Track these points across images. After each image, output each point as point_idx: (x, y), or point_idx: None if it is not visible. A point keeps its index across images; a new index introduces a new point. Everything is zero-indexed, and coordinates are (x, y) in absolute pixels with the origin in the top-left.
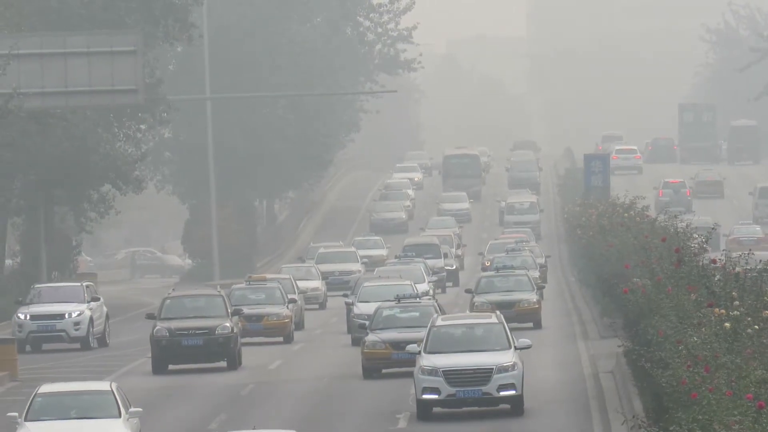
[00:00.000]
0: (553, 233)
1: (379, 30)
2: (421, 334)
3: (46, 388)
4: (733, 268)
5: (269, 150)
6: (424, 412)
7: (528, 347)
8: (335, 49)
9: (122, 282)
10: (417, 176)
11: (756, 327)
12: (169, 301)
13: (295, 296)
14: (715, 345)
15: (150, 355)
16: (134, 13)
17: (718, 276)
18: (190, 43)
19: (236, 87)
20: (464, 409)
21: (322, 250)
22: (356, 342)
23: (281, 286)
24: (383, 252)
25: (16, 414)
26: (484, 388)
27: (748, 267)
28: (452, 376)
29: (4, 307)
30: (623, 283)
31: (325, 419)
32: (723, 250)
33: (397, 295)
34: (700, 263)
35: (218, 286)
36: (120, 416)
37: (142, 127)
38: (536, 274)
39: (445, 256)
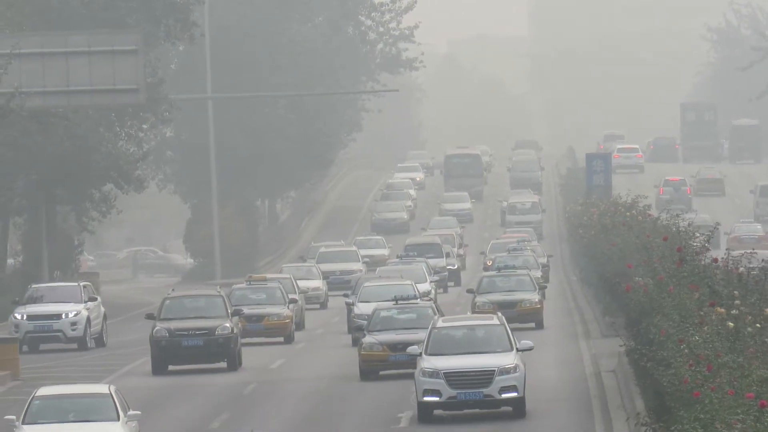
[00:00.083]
0: (555, 233)
1: (381, 29)
2: (419, 335)
3: (44, 390)
4: (737, 268)
5: (271, 149)
6: (425, 414)
7: (530, 349)
8: (336, 48)
9: (124, 281)
10: (418, 176)
11: (757, 326)
12: (168, 301)
13: (296, 296)
14: (717, 344)
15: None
16: (135, 13)
17: (720, 275)
18: (191, 43)
19: (238, 86)
20: (465, 411)
21: (323, 250)
22: (357, 342)
23: (282, 286)
24: (385, 252)
25: (13, 417)
26: (486, 391)
27: (751, 266)
28: (453, 378)
29: (5, 307)
30: (625, 282)
31: (327, 419)
32: (726, 249)
33: (395, 296)
34: (702, 262)
35: (218, 286)
36: (119, 419)
37: (144, 126)
38: (538, 273)
39: (447, 255)
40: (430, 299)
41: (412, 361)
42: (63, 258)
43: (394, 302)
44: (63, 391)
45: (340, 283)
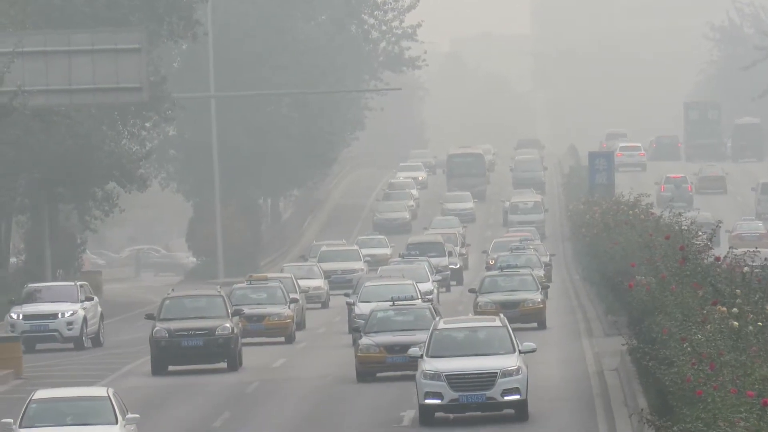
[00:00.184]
0: (558, 232)
1: (384, 28)
2: (416, 337)
3: (41, 393)
4: (741, 268)
5: (274, 148)
6: (427, 417)
7: (533, 351)
8: (339, 47)
9: (126, 280)
10: (421, 175)
11: (759, 324)
12: (168, 301)
13: (297, 296)
14: (719, 343)
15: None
16: (138, 11)
17: (723, 274)
18: (194, 41)
19: (240, 85)
20: (467, 414)
21: (324, 249)
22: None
23: (283, 286)
24: (387, 251)
25: (10, 420)
26: (488, 393)
27: (755, 264)
28: (455, 380)
29: (5, 306)
30: (628, 281)
31: (328, 418)
32: (729, 248)
33: (392, 298)
34: (705, 261)
35: (218, 286)
36: (117, 422)
37: (147, 125)
38: (541, 272)
39: (450, 254)
40: (431, 299)
41: (410, 362)
42: (66, 257)
43: (391, 303)
44: (60, 394)
45: (341, 283)
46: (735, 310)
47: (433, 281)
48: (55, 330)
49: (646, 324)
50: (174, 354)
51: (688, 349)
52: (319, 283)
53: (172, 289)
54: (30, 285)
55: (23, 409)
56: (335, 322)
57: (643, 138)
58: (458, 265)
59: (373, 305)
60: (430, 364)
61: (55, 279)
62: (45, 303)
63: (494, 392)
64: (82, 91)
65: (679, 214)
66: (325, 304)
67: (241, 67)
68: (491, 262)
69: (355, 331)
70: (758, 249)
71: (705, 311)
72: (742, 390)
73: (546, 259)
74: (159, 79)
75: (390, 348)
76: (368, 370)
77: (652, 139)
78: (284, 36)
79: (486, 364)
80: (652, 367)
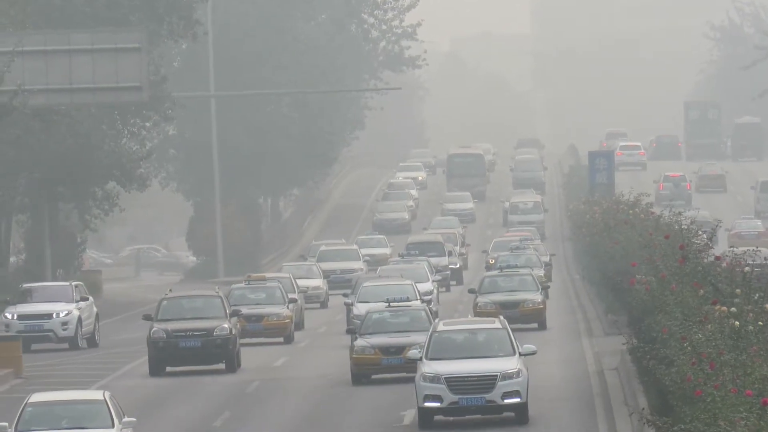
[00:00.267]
0: (558, 231)
1: (384, 27)
2: (412, 338)
3: (36, 397)
4: (742, 269)
5: (274, 147)
6: (426, 420)
7: (533, 353)
8: (339, 46)
9: (126, 279)
10: (421, 175)
11: (760, 323)
12: (166, 302)
13: (295, 296)
14: (719, 342)
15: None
16: (138, 11)
17: (723, 273)
18: (194, 41)
19: (240, 84)
20: (467, 417)
21: (323, 248)
22: None
23: (281, 286)
24: (386, 250)
25: (6, 424)
26: (488, 396)
27: (754, 263)
28: (455, 383)
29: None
30: (628, 280)
31: (329, 418)
32: (730, 248)
33: (387, 299)
34: (705, 260)
35: (216, 287)
36: (113, 426)
37: (147, 124)
38: (541, 272)
39: (450, 254)
40: (430, 299)
41: (405, 365)
42: (65, 256)
43: (386, 305)
44: (56, 397)
45: (340, 282)
46: (735, 309)
47: (433, 281)
48: (50, 330)
49: (646, 323)
50: (172, 355)
51: (689, 348)
52: (318, 282)
53: (170, 290)
54: (25, 285)
55: (19, 412)
56: (335, 321)
57: (643, 137)
58: (458, 265)
59: (371, 306)
60: (429, 367)
61: (55, 278)
62: (40, 303)
63: (494, 395)
64: (82, 91)
65: (679, 213)
66: (324, 304)
67: (241, 67)
68: (491, 262)
69: (351, 332)
70: (759, 248)
71: (705, 310)
72: (742, 389)
73: (546, 258)
74: (159, 78)
75: (385, 350)
76: (363, 371)
77: (652, 138)
78: (284, 36)
79: (486, 367)
80: (652, 367)
